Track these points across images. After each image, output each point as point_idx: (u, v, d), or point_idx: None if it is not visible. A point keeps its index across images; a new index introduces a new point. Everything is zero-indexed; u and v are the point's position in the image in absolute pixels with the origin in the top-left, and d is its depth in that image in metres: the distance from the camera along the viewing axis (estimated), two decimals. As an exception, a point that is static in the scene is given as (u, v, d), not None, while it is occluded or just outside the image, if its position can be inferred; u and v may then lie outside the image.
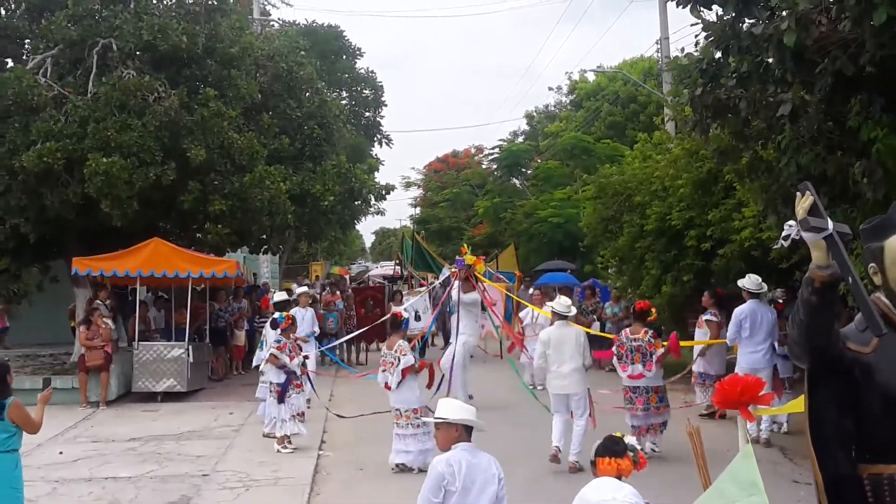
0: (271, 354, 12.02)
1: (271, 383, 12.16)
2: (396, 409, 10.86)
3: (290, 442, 11.88)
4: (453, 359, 13.90)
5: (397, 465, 10.69)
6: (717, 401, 4.56)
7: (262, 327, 15.16)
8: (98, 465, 11.24)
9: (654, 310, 12.01)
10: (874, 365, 3.75)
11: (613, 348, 11.45)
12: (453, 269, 15.77)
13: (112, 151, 15.96)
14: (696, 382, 14.03)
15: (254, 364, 14.30)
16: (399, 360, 10.83)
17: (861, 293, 3.57)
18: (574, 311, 11.77)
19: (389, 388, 10.91)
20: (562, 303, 11.45)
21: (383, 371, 11.01)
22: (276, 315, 12.73)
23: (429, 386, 11.77)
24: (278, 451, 11.73)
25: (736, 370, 11.76)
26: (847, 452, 3.83)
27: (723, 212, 15.34)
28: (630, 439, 5.14)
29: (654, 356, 11.05)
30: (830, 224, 3.59)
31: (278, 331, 12.23)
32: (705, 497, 4.48)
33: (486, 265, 18.04)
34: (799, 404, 4.15)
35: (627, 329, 11.68)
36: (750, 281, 12.13)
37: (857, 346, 3.79)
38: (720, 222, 15.31)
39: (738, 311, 12.09)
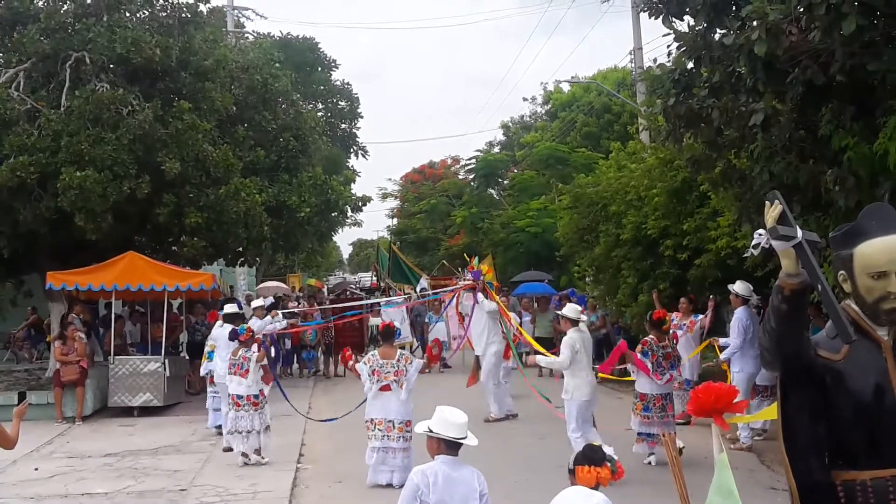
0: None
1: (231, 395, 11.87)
2: (390, 422, 10.41)
3: (257, 453, 11.66)
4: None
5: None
6: (692, 409, 4.57)
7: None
8: (74, 482, 11.13)
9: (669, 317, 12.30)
10: (845, 372, 3.77)
11: (642, 356, 11.17)
12: (469, 280, 15.72)
13: (86, 165, 15.87)
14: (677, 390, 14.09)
15: (202, 373, 14.30)
16: (406, 369, 10.53)
17: (831, 301, 3.60)
18: (585, 317, 11.84)
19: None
20: (573, 309, 11.49)
21: (378, 381, 10.54)
22: (238, 327, 12.30)
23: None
24: (245, 463, 11.57)
25: (741, 375, 11.94)
26: (820, 459, 3.86)
27: (698, 220, 15.43)
28: (608, 449, 5.16)
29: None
30: (799, 232, 3.62)
31: (235, 342, 11.95)
32: None
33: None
34: (772, 411, 4.17)
35: (653, 337, 11.48)
36: (742, 286, 12.27)
37: (828, 353, 3.82)
38: (696, 231, 15.39)
39: (741, 318, 12.18)
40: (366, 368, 10.64)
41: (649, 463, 10.91)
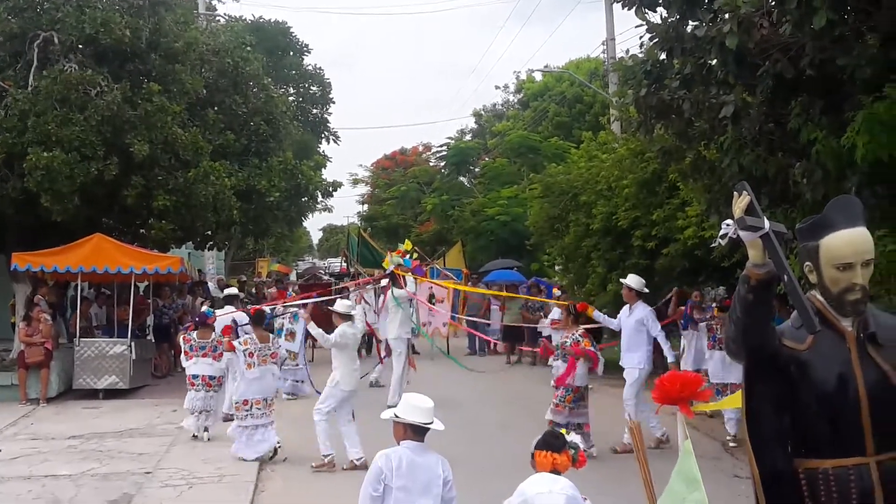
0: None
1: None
2: (264, 399, 11.12)
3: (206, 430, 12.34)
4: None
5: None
6: (657, 397, 4.61)
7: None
8: (38, 463, 11.04)
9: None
10: (809, 362, 3.82)
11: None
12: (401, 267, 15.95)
13: (53, 146, 15.71)
14: None
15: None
16: (279, 351, 11.68)
17: (796, 291, 3.64)
18: (356, 311, 11.79)
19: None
20: (344, 304, 11.53)
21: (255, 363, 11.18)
22: (205, 309, 12.87)
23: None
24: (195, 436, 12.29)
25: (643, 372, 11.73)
26: (784, 448, 3.91)
27: (667, 211, 15.53)
28: (573, 437, 5.18)
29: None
30: (766, 223, 3.65)
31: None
32: (663, 498, 4.54)
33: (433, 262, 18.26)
34: (736, 400, 4.22)
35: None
36: (634, 280, 11.95)
37: (793, 343, 3.86)
38: (664, 221, 15.49)
39: (649, 314, 11.83)
40: (242, 349, 11.18)
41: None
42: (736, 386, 11.34)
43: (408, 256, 16.13)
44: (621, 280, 12.60)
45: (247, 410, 11.05)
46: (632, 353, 11.61)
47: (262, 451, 10.98)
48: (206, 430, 12.33)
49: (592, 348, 11.19)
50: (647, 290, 12.06)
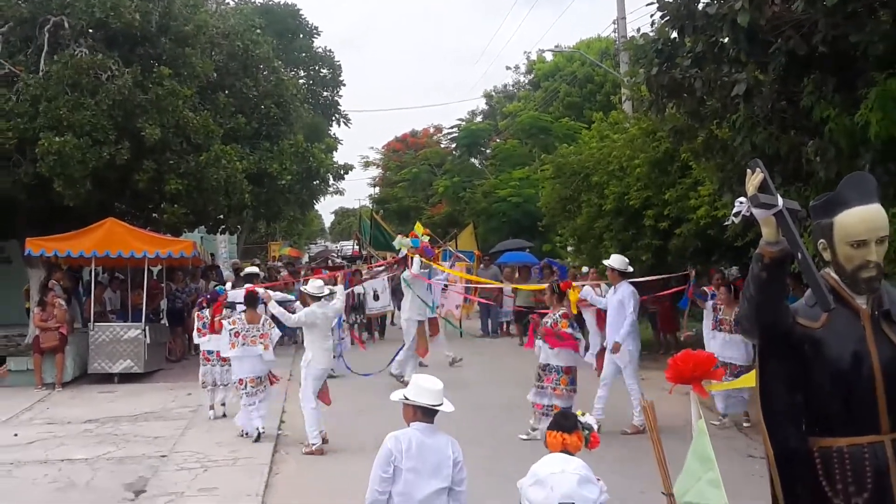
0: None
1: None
2: (258, 377, 11.43)
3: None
4: None
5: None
6: (670, 377, 4.60)
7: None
8: (54, 447, 11.13)
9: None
10: (823, 340, 3.80)
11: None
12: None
13: (64, 130, 15.75)
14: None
15: None
16: (270, 332, 11.64)
17: (810, 269, 3.62)
18: (328, 290, 11.87)
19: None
20: (315, 286, 11.60)
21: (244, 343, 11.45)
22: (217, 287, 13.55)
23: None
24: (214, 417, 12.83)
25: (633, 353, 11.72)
26: (797, 426, 3.90)
27: (679, 191, 15.45)
28: (587, 418, 5.18)
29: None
30: (780, 200, 3.63)
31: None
32: (681, 479, 4.54)
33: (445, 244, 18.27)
34: (751, 378, 4.21)
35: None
36: (617, 260, 11.98)
37: (807, 321, 3.84)
38: (677, 201, 15.41)
39: (631, 293, 11.76)
40: (229, 328, 11.49)
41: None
42: (735, 367, 11.40)
43: (417, 237, 16.14)
44: (604, 262, 12.62)
45: (243, 389, 11.40)
46: (614, 332, 11.64)
47: (254, 426, 11.38)
48: (222, 404, 12.85)
49: (570, 330, 10.98)
50: (630, 270, 12.09)
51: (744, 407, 11.61)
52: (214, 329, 12.08)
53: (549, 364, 10.93)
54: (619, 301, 11.65)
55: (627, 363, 11.60)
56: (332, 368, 15.61)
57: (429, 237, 17.31)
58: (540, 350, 11.10)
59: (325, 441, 10.92)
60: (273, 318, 11.76)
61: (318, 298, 11.29)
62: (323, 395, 11.30)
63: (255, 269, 16.73)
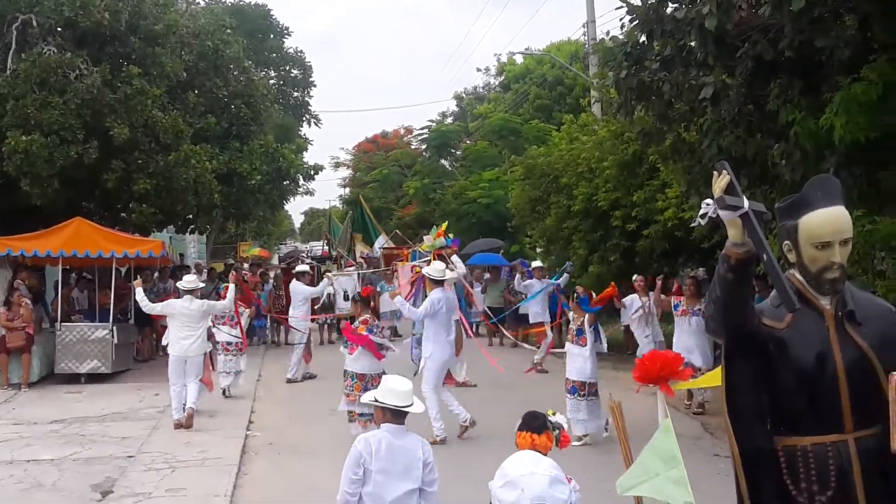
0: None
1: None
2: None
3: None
4: None
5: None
6: (637, 376, 4.65)
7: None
8: (20, 448, 11.02)
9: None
10: (788, 340, 3.85)
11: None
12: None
13: (32, 129, 15.64)
14: None
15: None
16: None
17: (776, 270, 3.66)
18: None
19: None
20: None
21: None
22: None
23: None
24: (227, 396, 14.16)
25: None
26: (763, 425, 3.94)
27: (647, 193, 15.59)
28: (558, 417, 5.20)
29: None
30: (746, 202, 3.66)
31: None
32: (630, 472, 4.56)
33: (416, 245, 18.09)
34: (716, 377, 4.25)
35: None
36: (434, 269, 11.81)
37: (772, 321, 3.89)
38: (645, 203, 15.55)
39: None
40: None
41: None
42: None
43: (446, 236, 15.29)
44: (424, 270, 12.41)
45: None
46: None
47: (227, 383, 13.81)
48: (229, 388, 14.21)
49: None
50: (444, 277, 11.68)
51: None
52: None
53: (346, 370, 10.90)
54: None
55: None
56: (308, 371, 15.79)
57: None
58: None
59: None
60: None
61: (189, 292, 12.15)
62: (206, 376, 12.33)
63: (305, 268, 18.80)
